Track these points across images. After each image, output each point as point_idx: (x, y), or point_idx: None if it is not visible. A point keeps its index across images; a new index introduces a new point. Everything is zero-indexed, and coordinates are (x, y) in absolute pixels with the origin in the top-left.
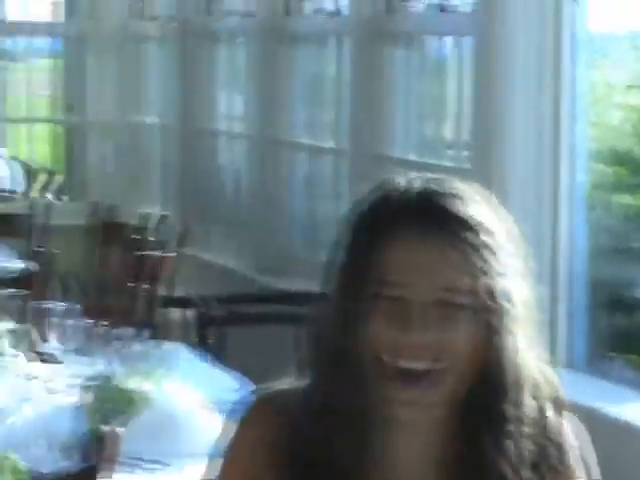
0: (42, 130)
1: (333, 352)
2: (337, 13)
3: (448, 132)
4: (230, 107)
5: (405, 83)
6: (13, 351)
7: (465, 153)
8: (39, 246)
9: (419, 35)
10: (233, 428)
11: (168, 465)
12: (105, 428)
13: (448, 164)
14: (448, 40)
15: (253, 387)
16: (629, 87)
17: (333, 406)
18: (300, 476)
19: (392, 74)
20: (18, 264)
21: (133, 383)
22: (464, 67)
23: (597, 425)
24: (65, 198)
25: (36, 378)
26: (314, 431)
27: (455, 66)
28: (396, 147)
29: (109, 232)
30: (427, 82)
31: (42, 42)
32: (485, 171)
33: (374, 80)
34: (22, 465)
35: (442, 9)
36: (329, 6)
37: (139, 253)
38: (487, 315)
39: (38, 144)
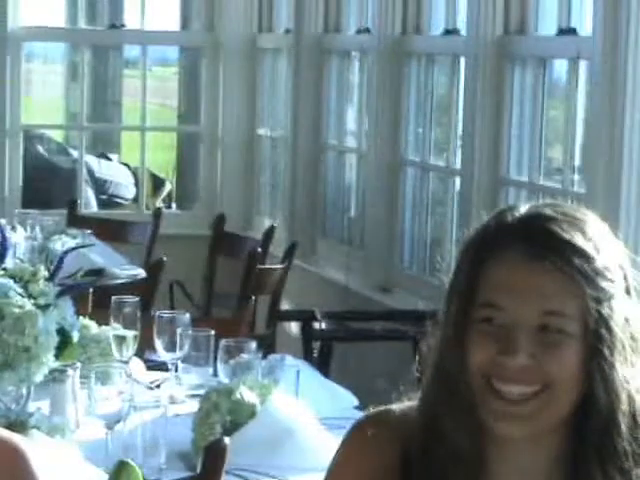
0: (155, 140)
1: (442, 371)
2: (455, 32)
3: (563, 155)
4: (345, 123)
5: (521, 105)
6: (122, 357)
7: (577, 177)
8: (148, 254)
9: (541, 58)
10: (343, 447)
11: (274, 478)
12: (222, 439)
13: (560, 187)
14: (564, 63)
15: (360, 404)
16: None
17: (442, 425)
18: None
19: (509, 95)
20: (129, 270)
21: (244, 394)
22: (578, 90)
23: None
24: (174, 206)
25: (152, 387)
26: (425, 456)
27: (570, 89)
28: (511, 169)
29: (221, 244)
30: (543, 105)
31: (160, 51)
32: (597, 195)
33: (491, 100)
34: (139, 473)
35: (562, 32)
36: (446, 25)
37: (260, 267)
38: (595, 342)
39: (151, 153)
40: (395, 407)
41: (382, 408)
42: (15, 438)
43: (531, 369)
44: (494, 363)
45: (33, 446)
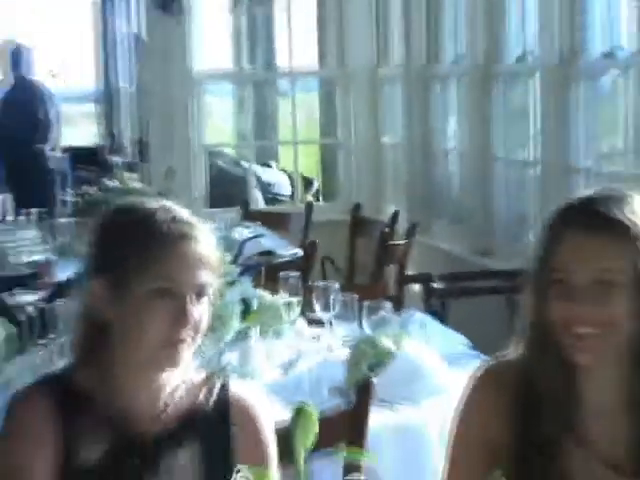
0: (304, 150)
1: (533, 324)
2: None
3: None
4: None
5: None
6: (289, 318)
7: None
8: (304, 237)
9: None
10: (471, 387)
11: (411, 404)
12: (369, 376)
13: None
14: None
15: (472, 345)
16: None
17: (538, 366)
18: (516, 430)
19: (576, 101)
20: (290, 250)
21: (384, 342)
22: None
23: None
24: (321, 199)
25: (316, 339)
26: (530, 386)
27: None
28: (580, 158)
29: (358, 227)
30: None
31: (304, 82)
32: None
33: (561, 108)
34: (314, 415)
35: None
36: (520, 51)
37: (389, 243)
38: (635, 274)
39: (301, 161)
40: (507, 355)
41: (499, 358)
42: (257, 405)
43: (594, 314)
44: (567, 313)
45: (267, 409)
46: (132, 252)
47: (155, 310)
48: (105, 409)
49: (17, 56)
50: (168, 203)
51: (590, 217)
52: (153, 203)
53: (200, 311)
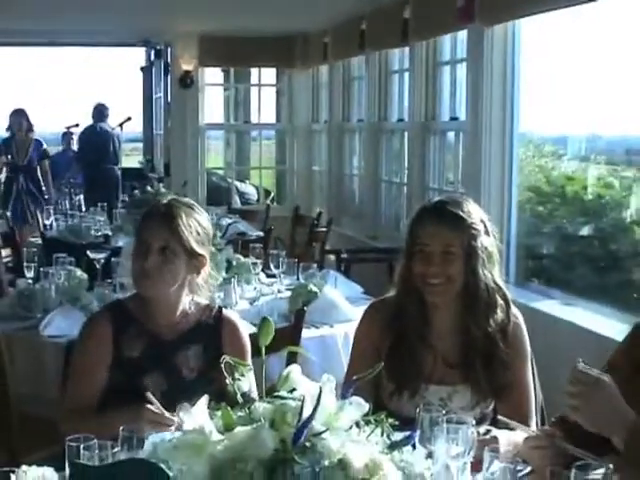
0: (265, 172)
1: (402, 277)
2: (402, 119)
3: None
4: (355, 162)
5: (437, 152)
6: (255, 271)
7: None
8: (264, 225)
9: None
10: (362, 318)
11: (328, 325)
12: (302, 307)
13: (455, 190)
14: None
15: (367, 294)
16: None
17: (404, 302)
18: (393, 344)
19: (431, 147)
20: (256, 232)
21: (312, 287)
22: (460, 148)
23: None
24: (275, 204)
25: (271, 285)
26: (397, 318)
27: (456, 148)
28: (432, 182)
29: (297, 220)
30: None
31: (267, 132)
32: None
33: (421, 151)
34: (272, 324)
35: (451, 119)
36: (398, 115)
37: (315, 230)
38: (468, 256)
39: (263, 179)
40: (386, 296)
41: (379, 298)
42: (239, 322)
43: (440, 271)
44: (424, 270)
45: (244, 326)
46: (140, 223)
47: (137, 254)
48: (143, 323)
49: (98, 110)
50: (175, 197)
51: (439, 211)
52: (169, 197)
53: (161, 260)
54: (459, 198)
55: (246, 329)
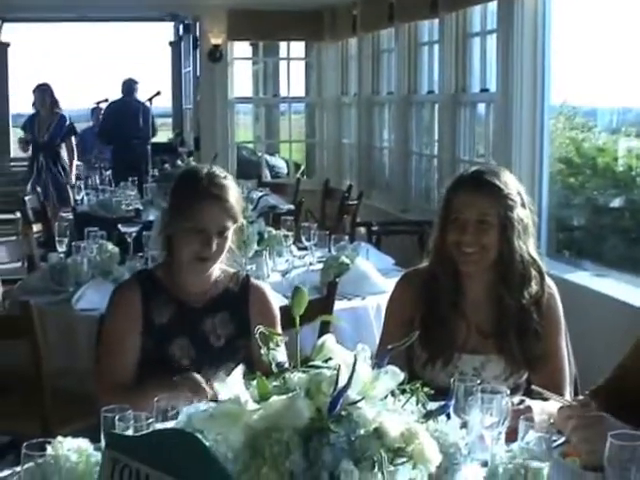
0: (295, 146)
1: (436, 245)
2: (432, 91)
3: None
4: (385, 135)
5: (467, 125)
6: (287, 244)
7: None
8: (295, 198)
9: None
10: (396, 288)
11: (360, 297)
12: (334, 279)
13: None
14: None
15: (400, 265)
16: None
17: (438, 272)
18: (426, 314)
19: (462, 120)
20: (287, 206)
21: (343, 259)
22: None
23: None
24: (305, 177)
25: (302, 257)
26: (431, 287)
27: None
28: (462, 154)
29: (327, 193)
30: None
31: (296, 106)
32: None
33: (452, 124)
34: (306, 293)
35: (481, 90)
36: (429, 87)
37: (346, 203)
38: (504, 227)
39: (293, 152)
40: (419, 266)
41: (412, 268)
42: (267, 290)
43: (474, 240)
44: (459, 239)
45: (273, 294)
46: (179, 202)
47: (191, 239)
48: (171, 291)
49: (127, 85)
50: (214, 172)
51: (476, 180)
52: (204, 169)
53: (219, 243)
54: (496, 168)
55: (274, 298)
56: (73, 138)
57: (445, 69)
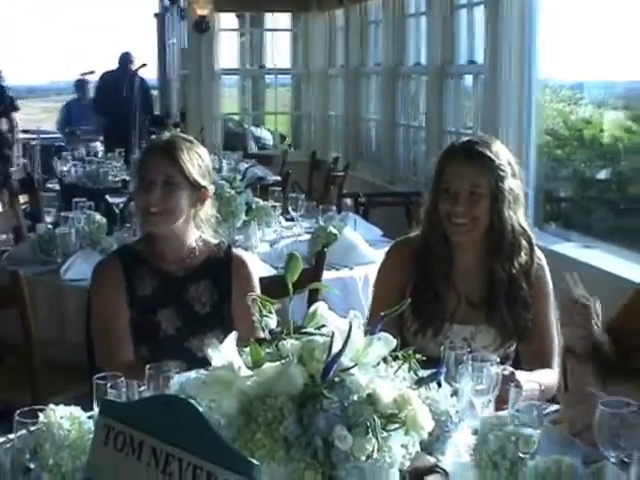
0: (281, 118)
1: (428, 214)
2: (419, 63)
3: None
4: (371, 107)
5: (453, 96)
6: (275, 215)
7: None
8: (282, 170)
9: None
10: (386, 256)
11: (348, 267)
12: (323, 249)
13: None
14: (470, 77)
15: (387, 236)
16: None
17: (429, 241)
18: (417, 283)
19: (448, 91)
20: (274, 177)
21: (331, 229)
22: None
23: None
24: (292, 149)
25: (290, 228)
26: (422, 256)
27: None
28: (449, 125)
29: (314, 164)
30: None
31: (282, 78)
32: None
33: (439, 95)
34: (300, 259)
35: (469, 62)
36: (416, 59)
37: (332, 174)
38: (495, 197)
39: (279, 124)
40: (410, 235)
41: (403, 237)
42: (248, 259)
43: (466, 211)
44: (450, 209)
45: (254, 264)
46: (140, 160)
47: (140, 192)
48: (152, 262)
49: (124, 57)
50: (174, 133)
51: (467, 150)
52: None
53: (167, 196)
54: (487, 139)
55: (257, 268)
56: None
57: (432, 41)
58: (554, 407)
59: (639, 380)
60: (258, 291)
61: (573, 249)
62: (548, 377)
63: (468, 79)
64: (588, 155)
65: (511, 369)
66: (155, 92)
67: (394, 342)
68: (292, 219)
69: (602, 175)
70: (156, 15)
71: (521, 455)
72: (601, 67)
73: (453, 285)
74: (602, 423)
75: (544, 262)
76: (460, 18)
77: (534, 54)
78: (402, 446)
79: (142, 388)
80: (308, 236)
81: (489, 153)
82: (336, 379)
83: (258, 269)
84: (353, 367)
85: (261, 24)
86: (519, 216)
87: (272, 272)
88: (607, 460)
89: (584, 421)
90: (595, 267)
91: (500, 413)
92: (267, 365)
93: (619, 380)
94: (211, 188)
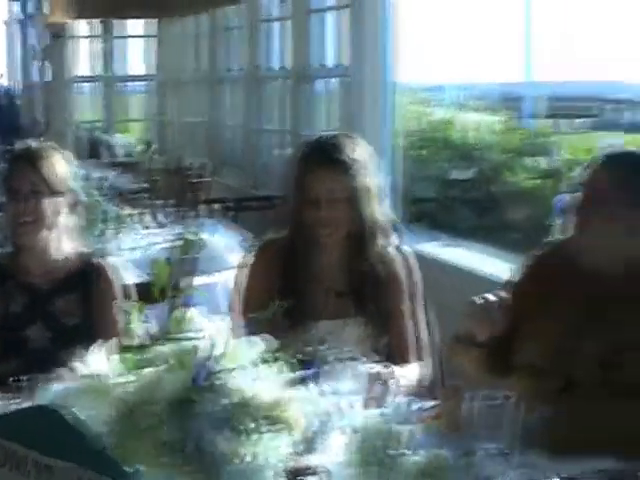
0: (143, 125)
1: (292, 216)
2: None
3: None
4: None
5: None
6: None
7: None
8: (146, 177)
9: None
10: (255, 257)
11: (208, 274)
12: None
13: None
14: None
15: (253, 239)
16: None
17: (295, 242)
18: (284, 282)
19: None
20: (137, 184)
21: (193, 236)
22: None
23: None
24: (157, 155)
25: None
26: (288, 256)
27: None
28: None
29: (178, 171)
30: None
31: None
32: None
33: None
34: (165, 263)
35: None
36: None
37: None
38: (354, 196)
39: (142, 131)
40: (276, 236)
41: (269, 238)
42: (110, 269)
43: (328, 215)
44: (313, 215)
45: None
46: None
47: (8, 202)
48: (19, 276)
49: None
50: (35, 142)
51: (323, 154)
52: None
53: (32, 205)
54: (342, 139)
55: (118, 276)
56: None
57: (291, 44)
58: (432, 402)
59: (520, 374)
60: (120, 298)
61: (438, 248)
62: (414, 372)
63: (327, 83)
64: (450, 155)
65: (379, 368)
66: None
67: (264, 344)
68: (155, 226)
69: (464, 175)
70: (6, 22)
71: (394, 452)
72: (461, 69)
73: (319, 281)
74: (476, 416)
75: (409, 259)
76: (319, 21)
77: (391, 57)
78: (279, 447)
79: (15, 400)
80: (170, 243)
81: (344, 155)
82: (210, 383)
83: (124, 276)
84: (226, 370)
85: (119, 31)
86: (379, 211)
87: (142, 279)
88: (481, 452)
89: (458, 415)
90: (459, 265)
91: (372, 411)
92: (142, 371)
93: (501, 374)
94: (75, 195)
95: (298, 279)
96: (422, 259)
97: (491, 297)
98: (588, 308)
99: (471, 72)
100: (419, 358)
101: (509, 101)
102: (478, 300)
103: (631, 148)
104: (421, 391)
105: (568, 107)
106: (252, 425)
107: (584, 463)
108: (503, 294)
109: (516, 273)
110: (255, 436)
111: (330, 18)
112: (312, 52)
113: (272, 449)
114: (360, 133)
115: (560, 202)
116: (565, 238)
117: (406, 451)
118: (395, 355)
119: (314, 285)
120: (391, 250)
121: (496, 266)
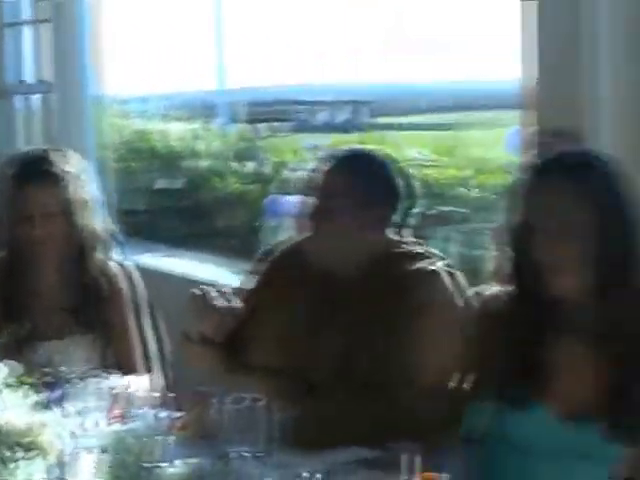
0: None
1: (7, 238)
2: None
3: None
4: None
5: None
6: None
7: None
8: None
9: None
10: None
11: None
12: None
13: None
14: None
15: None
16: None
17: (13, 263)
18: (4, 301)
19: None
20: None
21: None
22: None
23: None
24: None
25: None
26: (8, 278)
27: None
28: None
29: None
30: None
31: None
32: None
33: None
34: None
35: None
36: None
37: None
38: (69, 212)
39: None
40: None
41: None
42: None
43: (43, 232)
44: (29, 233)
45: None
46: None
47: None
48: None
49: None
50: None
51: (31, 171)
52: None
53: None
54: (50, 152)
55: None
56: None
57: None
58: (178, 414)
59: (260, 374)
60: None
61: (157, 259)
62: (145, 383)
63: (27, 99)
64: (158, 165)
65: (118, 381)
66: None
67: (6, 369)
68: None
69: (173, 184)
70: None
71: (149, 465)
72: (164, 80)
73: (42, 299)
74: (225, 420)
75: (132, 273)
76: (13, 36)
77: (91, 71)
78: (31, 473)
79: None
80: None
81: (55, 167)
82: None
83: None
84: None
85: None
86: (98, 224)
87: None
88: (234, 455)
89: (207, 421)
90: (178, 274)
91: (119, 426)
92: None
93: (241, 374)
94: None
95: (20, 299)
96: (144, 271)
97: (211, 290)
98: (322, 310)
99: (173, 82)
100: (148, 370)
101: (208, 109)
102: (197, 292)
103: (357, 147)
104: (159, 401)
105: (265, 112)
106: (8, 454)
107: (341, 454)
108: (226, 289)
109: (247, 278)
110: (12, 465)
111: (28, 33)
112: (8, 68)
113: (29, 476)
114: (66, 148)
115: (272, 203)
116: (298, 241)
117: (161, 463)
118: (124, 369)
119: (37, 304)
120: (113, 265)
121: (212, 271)
